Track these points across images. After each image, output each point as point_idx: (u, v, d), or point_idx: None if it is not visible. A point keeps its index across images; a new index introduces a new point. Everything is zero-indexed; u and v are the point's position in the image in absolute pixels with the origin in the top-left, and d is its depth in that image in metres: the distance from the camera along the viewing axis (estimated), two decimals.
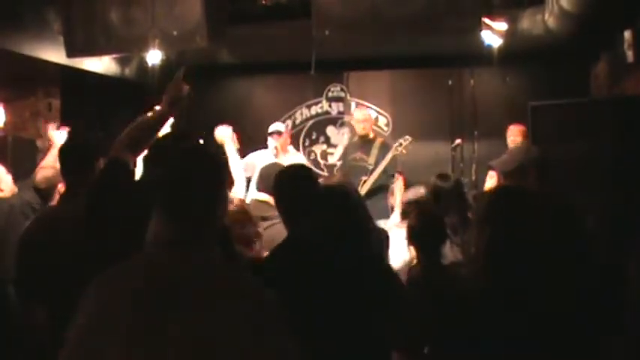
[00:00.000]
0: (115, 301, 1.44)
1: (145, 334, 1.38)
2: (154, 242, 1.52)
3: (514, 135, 5.32)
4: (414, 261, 2.97)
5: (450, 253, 3.08)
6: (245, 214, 2.94)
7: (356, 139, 5.93)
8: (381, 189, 5.45)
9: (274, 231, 2.93)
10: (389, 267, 2.61)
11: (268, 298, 1.49)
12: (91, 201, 2.19)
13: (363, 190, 5.30)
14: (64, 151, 2.74)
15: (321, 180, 4.35)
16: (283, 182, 2.56)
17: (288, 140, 5.81)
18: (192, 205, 1.52)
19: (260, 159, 5.20)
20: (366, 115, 5.81)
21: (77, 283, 1.57)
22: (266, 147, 5.62)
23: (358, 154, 5.61)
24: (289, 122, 6.92)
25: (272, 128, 5.69)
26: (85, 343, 1.42)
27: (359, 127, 5.72)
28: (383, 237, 3.36)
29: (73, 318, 1.46)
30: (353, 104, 6.98)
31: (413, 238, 2.96)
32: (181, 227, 1.50)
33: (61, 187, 3.48)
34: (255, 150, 5.64)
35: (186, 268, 1.46)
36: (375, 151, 5.49)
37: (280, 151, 5.45)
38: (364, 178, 5.39)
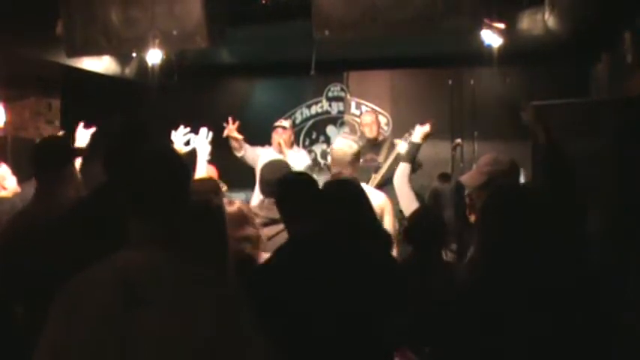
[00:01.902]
0: (84, 305, 1.48)
1: (114, 332, 1.44)
2: (127, 242, 1.58)
3: None
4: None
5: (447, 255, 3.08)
6: (243, 216, 2.91)
7: (356, 137, 5.90)
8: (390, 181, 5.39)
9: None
10: (391, 266, 2.61)
11: (230, 294, 1.58)
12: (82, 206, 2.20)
13: (372, 185, 5.27)
14: (38, 150, 2.70)
15: (329, 175, 4.31)
16: (284, 191, 2.48)
17: (292, 136, 5.81)
18: (154, 205, 1.58)
19: (263, 155, 5.17)
20: (374, 118, 5.85)
21: (49, 283, 1.59)
22: (268, 145, 5.62)
23: (369, 156, 5.59)
24: (289, 121, 6.91)
25: (276, 123, 5.70)
26: (59, 348, 1.47)
27: (367, 130, 5.75)
28: (386, 237, 3.35)
29: (43, 326, 1.51)
30: (353, 104, 6.98)
31: (411, 236, 2.95)
32: (146, 227, 1.57)
33: None
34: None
35: (152, 267, 1.52)
36: (384, 152, 5.46)
37: (284, 147, 5.44)
38: (374, 175, 5.36)
